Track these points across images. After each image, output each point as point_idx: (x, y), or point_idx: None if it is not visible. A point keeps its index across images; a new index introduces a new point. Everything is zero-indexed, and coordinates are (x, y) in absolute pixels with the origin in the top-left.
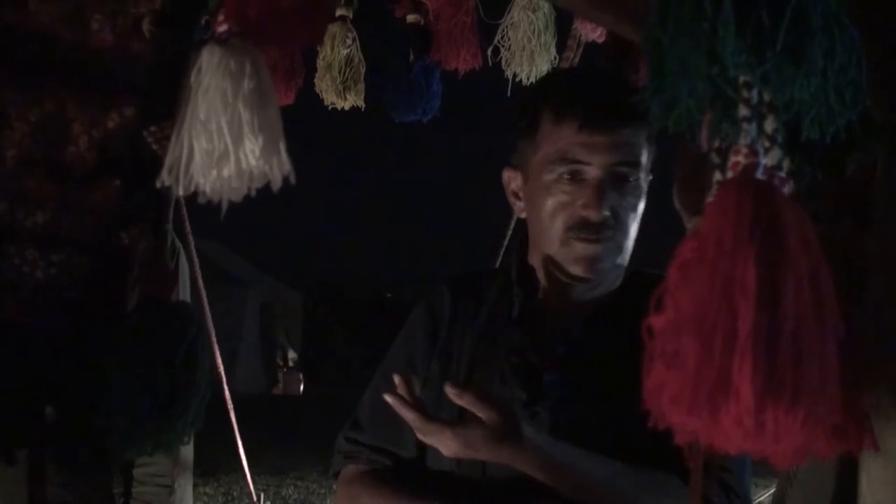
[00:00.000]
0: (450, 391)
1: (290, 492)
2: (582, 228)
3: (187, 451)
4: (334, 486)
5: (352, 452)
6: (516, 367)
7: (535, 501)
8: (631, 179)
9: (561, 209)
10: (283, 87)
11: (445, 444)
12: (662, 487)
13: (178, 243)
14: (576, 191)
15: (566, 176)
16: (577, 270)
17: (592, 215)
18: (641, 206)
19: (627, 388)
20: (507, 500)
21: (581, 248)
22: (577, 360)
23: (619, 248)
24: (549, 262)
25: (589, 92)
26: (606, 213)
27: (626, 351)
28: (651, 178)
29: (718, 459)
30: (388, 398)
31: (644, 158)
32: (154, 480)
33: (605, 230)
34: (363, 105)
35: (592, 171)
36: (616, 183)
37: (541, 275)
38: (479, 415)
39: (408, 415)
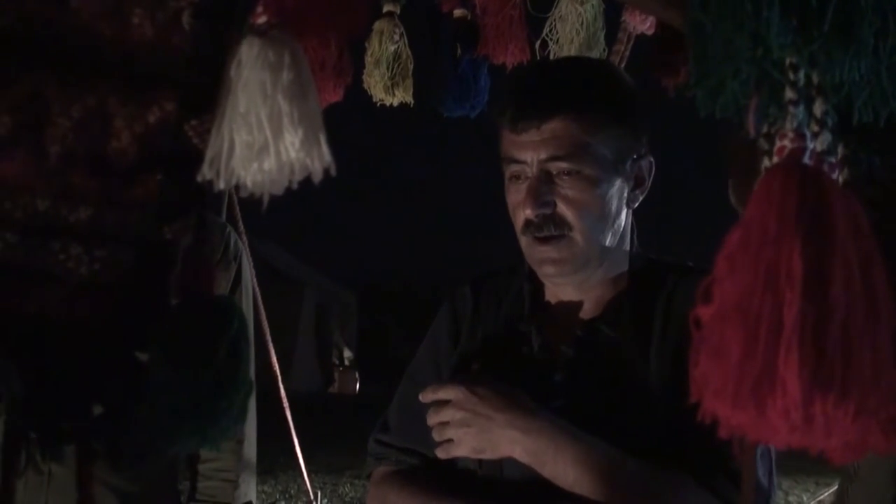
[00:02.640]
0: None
1: (346, 490)
2: (527, 228)
3: (251, 449)
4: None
5: (381, 453)
6: (527, 363)
7: (552, 501)
8: (569, 172)
9: (514, 210)
10: (332, 84)
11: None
12: (679, 488)
13: (241, 245)
14: (521, 190)
15: (511, 177)
16: (543, 272)
17: (528, 213)
18: (597, 195)
19: (633, 386)
20: (526, 500)
21: (537, 250)
22: (582, 361)
23: (575, 243)
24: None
25: (519, 88)
26: (545, 210)
27: (632, 348)
28: (646, 160)
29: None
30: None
31: (592, 147)
32: (219, 475)
33: (547, 227)
34: (411, 101)
35: (529, 170)
36: (554, 178)
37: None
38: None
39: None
